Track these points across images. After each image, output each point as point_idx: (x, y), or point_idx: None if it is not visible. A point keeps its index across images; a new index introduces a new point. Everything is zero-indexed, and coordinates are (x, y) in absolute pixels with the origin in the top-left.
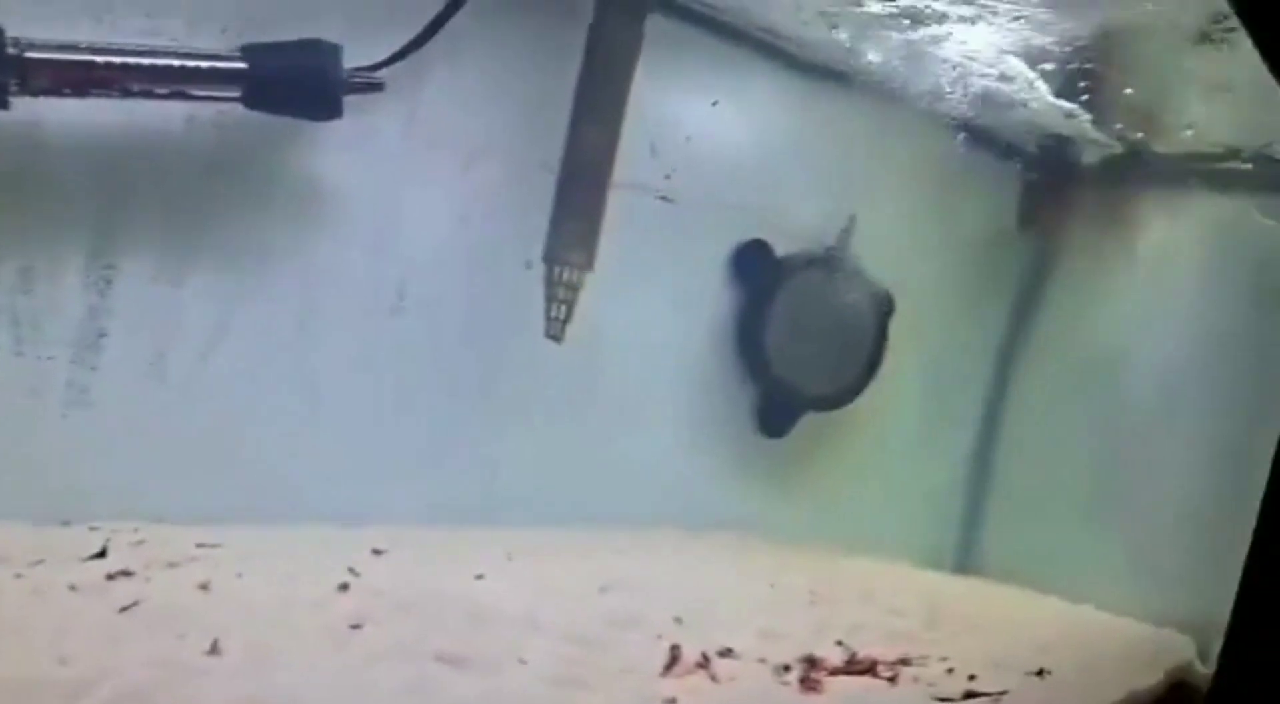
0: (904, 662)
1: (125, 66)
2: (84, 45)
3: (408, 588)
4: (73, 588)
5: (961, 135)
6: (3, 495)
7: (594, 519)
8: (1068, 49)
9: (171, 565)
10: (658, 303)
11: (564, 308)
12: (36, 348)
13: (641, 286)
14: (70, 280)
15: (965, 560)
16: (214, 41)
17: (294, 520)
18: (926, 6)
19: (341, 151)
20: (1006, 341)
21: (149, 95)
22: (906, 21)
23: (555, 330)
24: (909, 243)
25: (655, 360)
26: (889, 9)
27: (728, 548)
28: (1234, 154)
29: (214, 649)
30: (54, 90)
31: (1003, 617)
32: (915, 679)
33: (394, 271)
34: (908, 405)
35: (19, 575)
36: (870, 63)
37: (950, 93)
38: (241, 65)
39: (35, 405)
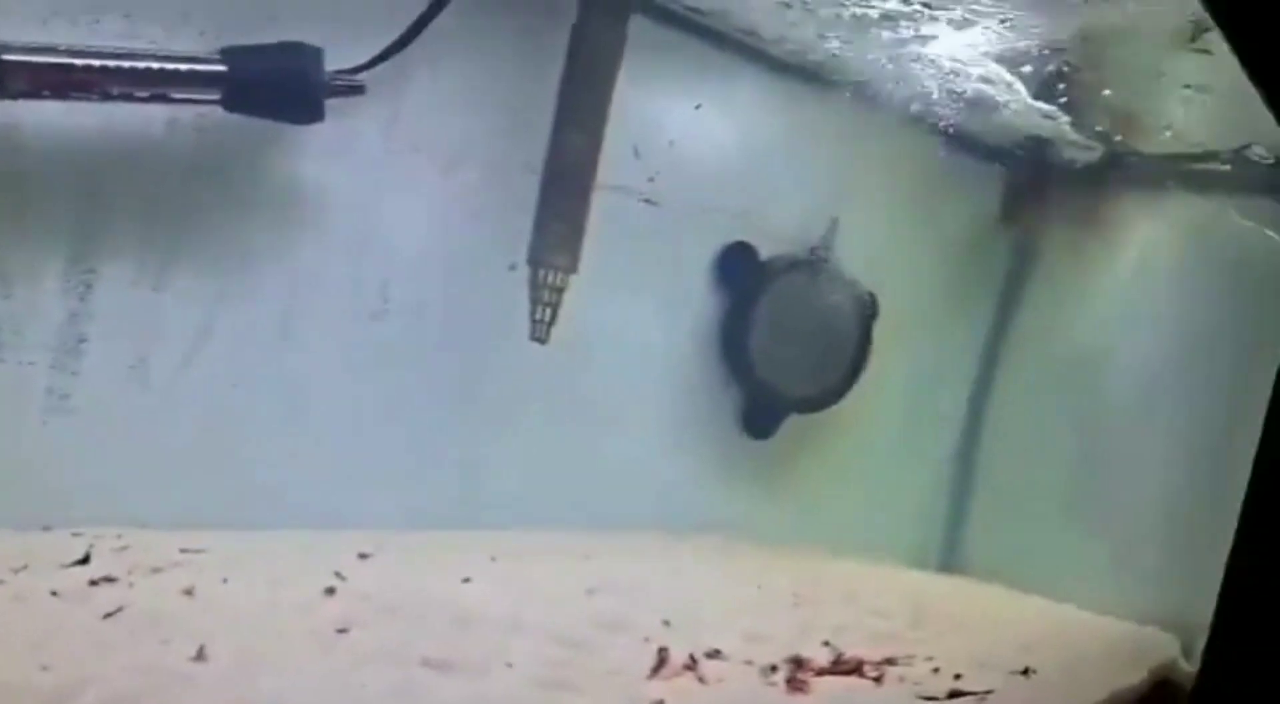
0: (890, 662)
1: (104, 69)
2: (62, 48)
3: (393, 592)
4: (55, 594)
5: (942, 137)
6: None
7: (579, 522)
8: (1047, 51)
9: (155, 571)
10: (642, 305)
11: (548, 310)
12: (17, 353)
13: (626, 289)
14: (50, 285)
15: (949, 560)
16: (193, 44)
17: (278, 525)
18: (907, 10)
19: (323, 154)
20: (989, 342)
21: (128, 98)
22: (887, 24)
23: (540, 333)
24: (891, 244)
25: (640, 363)
26: (870, 12)
27: (713, 550)
28: (1212, 155)
29: (199, 655)
30: (33, 93)
31: (987, 616)
32: (901, 679)
33: (377, 275)
34: (891, 406)
35: (1, 582)
36: (852, 65)
37: (931, 95)
38: (221, 68)
39: (16, 411)
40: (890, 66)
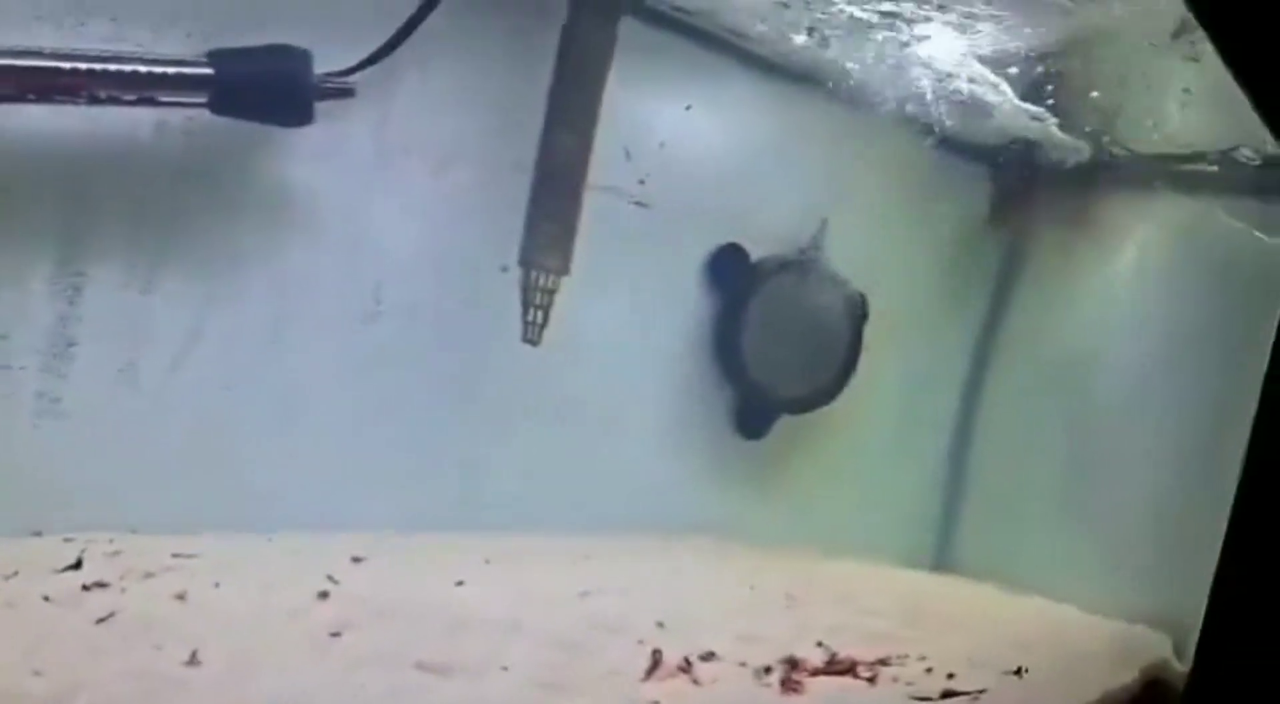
0: (883, 662)
1: (90, 72)
2: (48, 51)
3: (387, 595)
4: (47, 600)
5: (932, 138)
6: None
7: (573, 524)
8: (1035, 53)
9: (148, 576)
10: (634, 307)
11: (540, 312)
12: (6, 357)
13: (617, 291)
14: (38, 288)
15: (942, 560)
16: (180, 47)
17: (271, 529)
18: (897, 11)
19: (313, 157)
20: (980, 342)
21: (115, 101)
22: (877, 26)
23: (532, 334)
24: (882, 245)
25: (632, 364)
26: (860, 13)
27: (706, 551)
28: (1200, 156)
29: (192, 660)
30: (18, 97)
31: (980, 616)
32: (894, 679)
33: (369, 277)
34: (883, 407)
35: None
36: (842, 67)
37: (921, 96)
38: (208, 71)
39: (6, 415)
40: (880, 68)
